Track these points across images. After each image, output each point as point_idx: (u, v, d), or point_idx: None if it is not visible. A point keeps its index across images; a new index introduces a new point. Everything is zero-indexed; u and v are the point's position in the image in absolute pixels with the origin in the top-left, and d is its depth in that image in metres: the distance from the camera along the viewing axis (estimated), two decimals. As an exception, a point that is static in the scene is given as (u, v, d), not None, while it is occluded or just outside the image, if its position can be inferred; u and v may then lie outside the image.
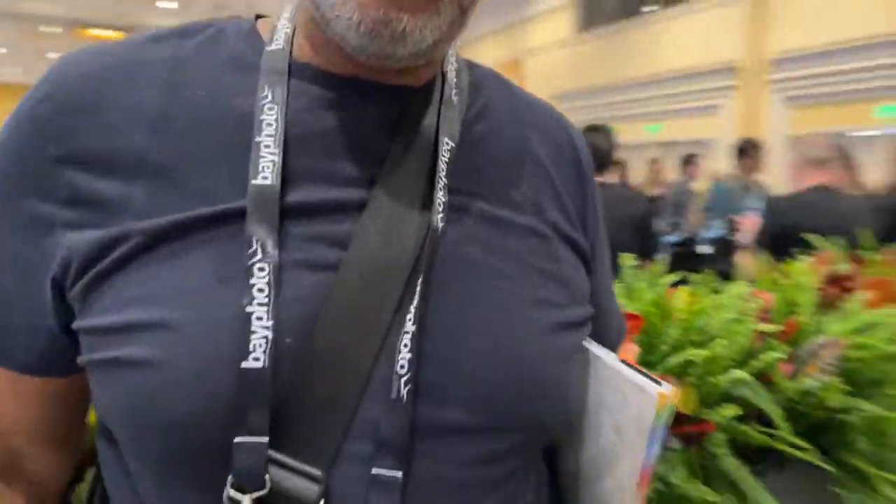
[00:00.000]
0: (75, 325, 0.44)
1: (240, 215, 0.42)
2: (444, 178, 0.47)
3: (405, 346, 0.42)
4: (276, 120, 0.44)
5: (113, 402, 0.43)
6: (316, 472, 0.40)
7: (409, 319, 0.43)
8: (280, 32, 0.48)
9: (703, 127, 8.80)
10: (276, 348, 0.40)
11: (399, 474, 0.41)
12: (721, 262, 3.52)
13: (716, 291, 1.29)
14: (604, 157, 2.67)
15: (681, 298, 1.22)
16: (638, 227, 2.78)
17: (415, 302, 0.43)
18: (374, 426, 0.42)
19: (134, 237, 0.42)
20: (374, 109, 0.48)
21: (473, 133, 0.51)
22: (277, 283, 0.41)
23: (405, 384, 0.42)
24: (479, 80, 0.55)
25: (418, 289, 0.43)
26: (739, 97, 8.43)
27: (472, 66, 0.56)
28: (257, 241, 0.41)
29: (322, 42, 0.47)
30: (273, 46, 0.47)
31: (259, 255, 0.41)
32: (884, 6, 6.94)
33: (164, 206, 0.43)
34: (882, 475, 1.05)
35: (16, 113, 0.46)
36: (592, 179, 0.58)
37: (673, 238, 4.89)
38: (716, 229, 4.41)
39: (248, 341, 0.40)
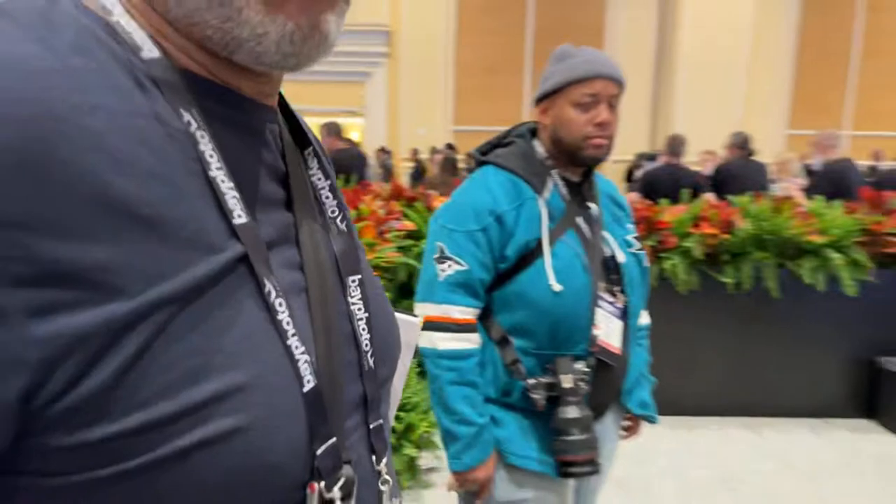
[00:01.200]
0: (93, 435, 0.35)
1: (239, 259, 0.41)
2: (328, 191, 0.54)
3: (363, 329, 0.51)
4: (213, 149, 0.41)
5: (196, 484, 0.38)
6: (344, 454, 0.47)
7: (360, 309, 0.51)
8: (137, 33, 0.41)
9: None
10: (308, 361, 0.44)
11: (381, 420, 0.53)
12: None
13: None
14: None
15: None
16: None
17: (358, 294, 0.52)
18: (359, 397, 0.51)
19: (166, 306, 0.36)
20: (267, 129, 0.48)
21: None
22: (291, 312, 0.43)
23: (371, 356, 0.52)
24: None
25: (354, 284, 0.52)
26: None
27: None
28: (267, 280, 0.42)
29: (199, 52, 0.43)
30: (149, 54, 0.41)
31: (273, 293, 0.42)
32: None
33: (169, 264, 0.37)
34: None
35: None
36: None
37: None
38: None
39: (298, 369, 0.43)
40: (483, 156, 1.42)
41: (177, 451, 0.37)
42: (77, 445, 0.35)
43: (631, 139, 9.74)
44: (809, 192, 4.67)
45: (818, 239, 3.34)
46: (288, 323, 0.42)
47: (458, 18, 9.98)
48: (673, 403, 3.36)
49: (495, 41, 9.98)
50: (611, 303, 1.35)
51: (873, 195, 3.64)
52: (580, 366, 1.29)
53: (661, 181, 4.68)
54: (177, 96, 0.41)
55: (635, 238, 1.47)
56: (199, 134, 0.41)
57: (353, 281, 0.52)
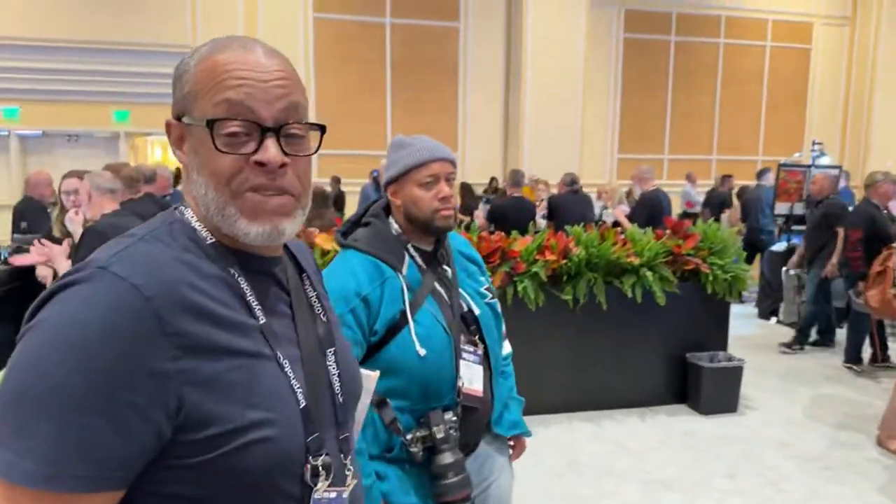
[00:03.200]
0: (202, 434, 0.65)
1: (262, 343, 0.74)
2: (316, 297, 0.89)
3: (336, 379, 0.84)
4: (246, 286, 0.76)
5: (246, 466, 0.68)
6: (324, 446, 0.77)
7: (334, 367, 0.84)
8: (202, 232, 0.76)
9: None
10: (302, 393, 0.75)
11: (348, 434, 0.84)
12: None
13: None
14: None
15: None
16: None
17: (333, 359, 0.84)
18: (333, 417, 0.82)
19: (238, 363, 0.70)
20: (274, 269, 0.82)
21: None
22: (291, 366, 0.76)
23: (340, 395, 0.84)
24: None
25: (331, 353, 0.85)
26: None
27: None
28: (279, 352, 0.75)
29: (228, 237, 0.76)
30: (210, 241, 0.76)
31: (282, 357, 0.75)
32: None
33: (236, 341, 0.70)
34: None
35: (111, 307, 0.63)
36: None
37: None
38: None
39: (297, 396, 0.75)
40: (344, 238, 1.56)
41: (241, 444, 0.68)
42: (197, 440, 0.65)
43: (487, 163, 10.61)
44: (631, 217, 5.61)
45: (635, 260, 4.11)
46: (290, 371, 0.75)
47: (314, 46, 10.18)
48: (529, 404, 3.79)
49: (354, 69, 10.36)
50: (472, 352, 1.52)
51: (675, 224, 4.52)
52: (449, 416, 1.45)
53: (508, 213, 5.49)
54: (226, 261, 0.75)
55: (487, 289, 1.66)
56: (239, 279, 0.76)
57: (330, 352, 0.86)
